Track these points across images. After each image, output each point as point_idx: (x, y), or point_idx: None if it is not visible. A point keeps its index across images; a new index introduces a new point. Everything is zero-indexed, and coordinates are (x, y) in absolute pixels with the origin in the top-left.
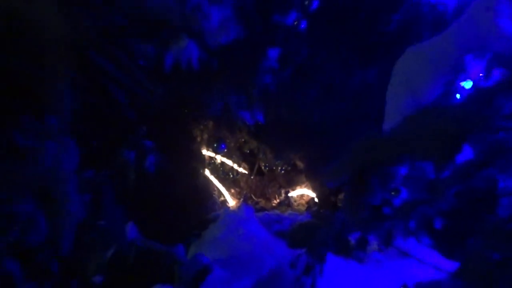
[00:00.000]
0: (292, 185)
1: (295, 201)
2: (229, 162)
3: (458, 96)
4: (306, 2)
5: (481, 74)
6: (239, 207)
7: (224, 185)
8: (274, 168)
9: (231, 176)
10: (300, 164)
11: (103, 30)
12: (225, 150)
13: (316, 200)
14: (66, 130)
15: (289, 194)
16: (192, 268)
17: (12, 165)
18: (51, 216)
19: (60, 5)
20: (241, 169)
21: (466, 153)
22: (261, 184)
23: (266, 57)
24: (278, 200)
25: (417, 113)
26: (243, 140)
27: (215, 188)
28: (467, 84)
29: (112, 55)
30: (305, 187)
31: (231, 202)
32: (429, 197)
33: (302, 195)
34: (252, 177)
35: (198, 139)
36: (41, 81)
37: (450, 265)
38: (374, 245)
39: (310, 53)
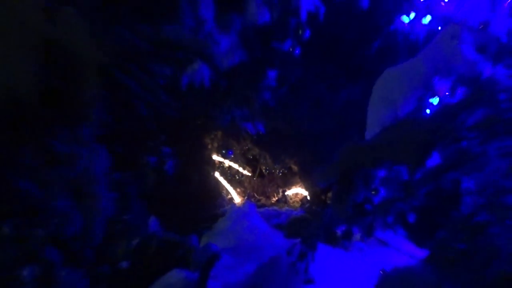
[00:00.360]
0: (288, 185)
1: (290, 199)
2: (235, 165)
3: (428, 111)
4: (300, 32)
5: (447, 93)
6: (243, 204)
7: (231, 185)
8: (273, 171)
9: (237, 177)
10: (294, 168)
11: (129, 54)
12: (232, 156)
13: (308, 198)
14: (97, 139)
15: (286, 193)
16: (203, 255)
17: (52, 169)
18: (85, 211)
19: (91, 32)
20: (245, 172)
21: (435, 159)
22: (262, 184)
23: (266, 77)
24: (276, 198)
25: (393, 124)
26: (247, 147)
27: (224, 188)
28: (435, 101)
29: (137, 75)
30: (299, 186)
31: (237, 199)
32: (404, 196)
33: (296, 194)
34: (254, 179)
35: (209, 146)
36: (76, 97)
37: (421, 253)
38: (357, 236)
39: (303, 74)
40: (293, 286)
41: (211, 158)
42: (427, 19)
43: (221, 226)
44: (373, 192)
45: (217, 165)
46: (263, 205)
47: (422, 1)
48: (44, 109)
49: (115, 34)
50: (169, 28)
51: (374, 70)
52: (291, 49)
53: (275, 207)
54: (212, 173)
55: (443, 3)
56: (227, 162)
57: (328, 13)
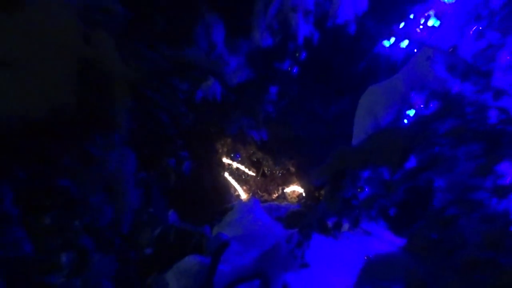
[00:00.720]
0: (287, 183)
1: (289, 195)
2: (242, 167)
3: (405, 121)
4: (297, 54)
5: (421, 106)
6: (249, 199)
7: (238, 183)
8: (273, 171)
9: (243, 177)
10: (292, 169)
11: (154, 72)
12: (239, 159)
13: (304, 194)
14: (126, 143)
15: (285, 190)
16: (215, 242)
17: (88, 169)
18: (115, 204)
19: (122, 53)
20: (250, 172)
21: (411, 161)
22: (264, 183)
23: (268, 92)
24: (276, 194)
25: (376, 132)
26: (252, 151)
27: (232, 186)
28: (411, 112)
29: (160, 90)
30: (296, 185)
31: (243, 196)
32: (385, 193)
33: (294, 191)
34: (258, 178)
35: (220, 150)
36: (109, 109)
37: (400, 241)
38: (345, 226)
39: (299, 90)
40: (291, 269)
41: (222, 160)
42: (404, 43)
43: (230, 218)
44: (359, 190)
45: (227, 167)
46: (265, 201)
47: (401, 28)
48: (82, 119)
49: (142, 55)
50: (187, 51)
51: (360, 86)
52: (289, 69)
53: (276, 202)
54: (222, 173)
55: (418, 30)
56: (235, 164)
57: (321, 38)
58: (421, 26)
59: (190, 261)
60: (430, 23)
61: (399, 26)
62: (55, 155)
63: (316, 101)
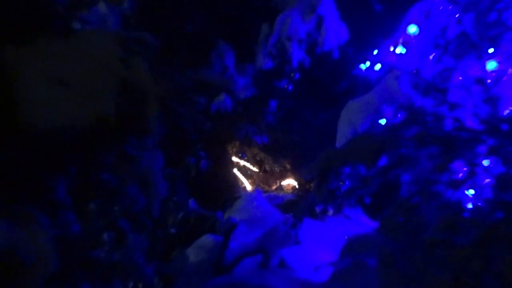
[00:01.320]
0: (283, 178)
1: (285, 187)
2: (247, 164)
3: (381, 123)
4: (292, 75)
5: (391, 116)
6: (253, 190)
7: (245, 177)
8: (273, 168)
9: (249, 172)
10: (288, 166)
11: (178, 89)
12: (246, 158)
13: (297, 186)
14: (156, 146)
15: (282, 183)
16: (226, 225)
17: (126, 166)
18: (147, 194)
19: (153, 74)
20: (254, 169)
21: (383, 160)
22: (265, 177)
23: (269, 105)
24: (275, 186)
25: (354, 137)
26: (255, 152)
27: (240, 179)
28: (383, 121)
29: (183, 103)
30: (291, 179)
31: (249, 187)
32: (362, 185)
33: (289, 184)
34: (260, 173)
35: (230, 151)
36: (143, 118)
37: (374, 224)
38: (330, 212)
39: (294, 103)
40: (286, 246)
41: (231, 159)
42: (377, 67)
43: (238, 205)
44: (341, 183)
45: (235, 164)
46: (266, 191)
47: (374, 54)
48: (122, 126)
49: (170, 75)
50: (205, 72)
51: (342, 101)
52: (286, 86)
53: (274, 193)
54: (231, 170)
55: (389, 56)
56: (242, 162)
57: (311, 62)
58: (391, 53)
59: (206, 239)
60: (398, 50)
61: (373, 53)
62: (100, 154)
63: (307, 112)
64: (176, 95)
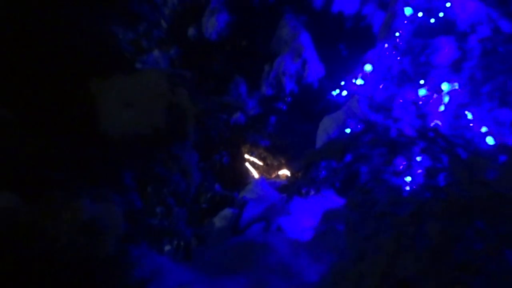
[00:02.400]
0: (280, 169)
1: (281, 176)
2: (255, 160)
3: (346, 132)
4: (286, 99)
5: (353, 126)
6: (259, 178)
7: (254, 169)
8: (273, 163)
9: (256, 166)
10: (283, 161)
11: (208, 108)
12: (254, 156)
13: (289, 175)
14: (192, 147)
15: (279, 173)
16: (240, 201)
17: (172, 161)
18: (186, 181)
19: (191, 99)
20: (260, 163)
21: (348, 157)
22: (267, 169)
23: (270, 120)
24: (274, 175)
25: (328, 141)
26: (261, 152)
27: (250, 171)
28: (348, 130)
29: (210, 118)
30: (285, 169)
31: (256, 176)
32: (334, 174)
33: (284, 173)
34: (264, 166)
35: (243, 151)
36: (184, 128)
37: (342, 201)
38: (312, 192)
39: (287, 118)
40: (282, 216)
41: (244, 156)
42: (344, 93)
43: (248, 188)
44: (319, 172)
45: (247, 160)
46: (268, 179)
47: (342, 84)
48: (170, 134)
49: (201, 99)
50: (226, 97)
51: (320, 116)
52: (281, 107)
53: (274, 179)
54: (244, 164)
55: (352, 85)
56: (251, 159)
57: (299, 89)
58: (353, 84)
59: (227, 211)
60: (358, 82)
61: (341, 84)
62: (155, 153)
63: (296, 124)
64: (206, 113)
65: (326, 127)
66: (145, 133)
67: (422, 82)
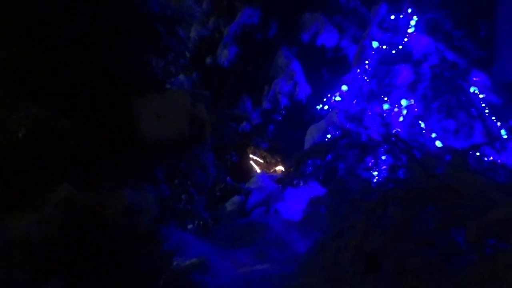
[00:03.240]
0: (277, 165)
1: (277, 171)
2: (258, 159)
3: (326, 139)
4: (281, 112)
5: (333, 133)
6: (260, 173)
7: (256, 166)
8: (271, 161)
9: (258, 163)
10: (279, 159)
11: (222, 118)
12: (257, 155)
13: (284, 170)
14: (209, 149)
15: (276, 168)
16: (246, 191)
17: (194, 159)
18: (205, 175)
19: (208, 112)
20: (261, 161)
21: (329, 157)
22: (267, 165)
23: (269, 128)
24: (272, 170)
25: (313, 144)
26: (262, 152)
27: (254, 167)
28: (328, 136)
29: (223, 127)
30: (281, 166)
31: (258, 171)
32: (318, 170)
33: (280, 169)
34: (264, 163)
35: (248, 152)
36: (202, 135)
37: (324, 190)
38: (301, 184)
39: (282, 127)
40: (277, 202)
41: (249, 156)
42: (326, 107)
43: (252, 180)
44: (307, 168)
45: (251, 159)
46: (267, 173)
47: (324, 100)
48: (192, 138)
49: (216, 112)
50: (235, 110)
51: (308, 125)
52: (278, 118)
53: (272, 174)
54: (249, 162)
55: (331, 101)
56: (254, 158)
57: (291, 105)
58: (333, 100)
59: (236, 198)
60: (337, 98)
61: (323, 100)
62: (180, 154)
63: (289, 131)
64: (219, 122)
65: (312, 133)
66: (173, 138)
67: (385, 98)
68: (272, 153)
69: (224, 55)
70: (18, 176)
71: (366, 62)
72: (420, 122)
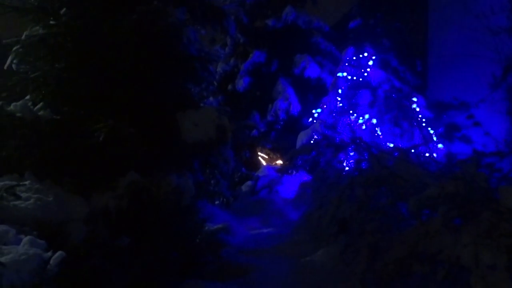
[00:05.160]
0: (277, 160)
1: (277, 164)
2: (263, 155)
3: (311, 142)
4: (280, 123)
5: (317, 137)
6: (266, 165)
7: (263, 160)
8: (273, 157)
9: (264, 158)
10: (279, 156)
11: (237, 126)
12: (263, 153)
13: (282, 163)
14: (230, 148)
15: (276, 162)
16: (256, 178)
17: (219, 155)
18: (226, 166)
19: (229, 121)
20: (266, 157)
21: (313, 153)
22: (270, 160)
23: (271, 134)
24: (274, 163)
25: (302, 145)
26: (266, 151)
27: (261, 161)
28: (313, 139)
29: (239, 132)
30: (280, 160)
31: (264, 164)
32: (305, 162)
33: (279, 162)
34: (268, 159)
35: (257, 150)
36: (225, 137)
37: (310, 177)
38: (294, 172)
39: (280, 134)
40: (278, 185)
41: (258, 153)
42: (310, 120)
43: (260, 171)
44: (298, 162)
45: (259, 155)
46: (270, 165)
47: (311, 114)
48: (218, 140)
49: (234, 122)
50: (248, 121)
51: (298, 132)
52: (278, 127)
53: (274, 166)
54: (258, 157)
55: (314, 115)
56: (261, 154)
57: (287, 119)
58: (316, 114)
59: (248, 183)
60: (317, 112)
61: (310, 114)
62: (210, 151)
63: (286, 136)
64: (237, 129)
65: (301, 137)
66: (205, 140)
67: (352, 112)
68: (274, 151)
69: (240, 83)
70: (100, 166)
71: (339, 88)
72: (376, 129)
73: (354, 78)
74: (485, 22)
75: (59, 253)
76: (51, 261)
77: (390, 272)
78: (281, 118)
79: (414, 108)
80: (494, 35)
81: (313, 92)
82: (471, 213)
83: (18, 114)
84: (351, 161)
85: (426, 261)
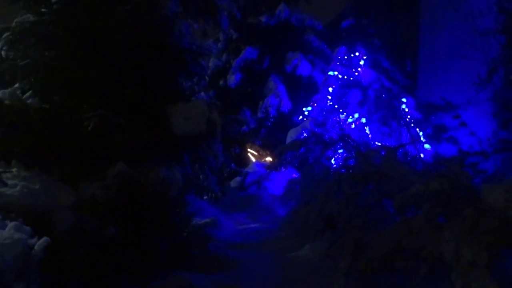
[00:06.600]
0: (266, 156)
1: (267, 160)
2: (253, 152)
3: (301, 137)
4: (271, 119)
5: (305, 134)
6: (255, 162)
7: (252, 157)
8: (262, 154)
9: (254, 155)
10: (268, 152)
11: (227, 121)
12: (253, 149)
13: (271, 159)
14: (220, 142)
15: (265, 158)
16: (245, 173)
17: (209, 150)
18: (216, 161)
19: (220, 117)
20: (256, 153)
21: (302, 150)
22: (260, 156)
23: (261, 131)
24: (263, 160)
25: (291, 141)
26: (256, 147)
27: (250, 158)
28: (302, 136)
29: (229, 127)
30: (269, 157)
31: (253, 160)
32: (294, 158)
33: (268, 159)
34: (258, 155)
35: (247, 147)
36: (215, 130)
37: (299, 174)
38: (283, 169)
39: (271, 130)
40: (266, 181)
41: (248, 149)
42: (300, 117)
43: (249, 166)
44: (287, 158)
45: (249, 152)
46: (259, 162)
47: (301, 112)
48: (207, 134)
49: (224, 117)
50: (238, 116)
51: (288, 129)
52: (268, 124)
53: (263, 162)
54: (247, 154)
55: (305, 113)
56: (251, 151)
57: (277, 115)
58: (306, 112)
59: (237, 178)
60: (307, 110)
61: (300, 112)
62: (200, 145)
63: (275, 133)
64: (227, 124)
65: (291, 134)
66: (195, 134)
67: (342, 111)
68: (263, 148)
69: (232, 79)
70: (88, 155)
71: (330, 88)
72: (365, 128)
73: (345, 77)
74: (473, 24)
75: (44, 239)
76: (36, 247)
77: (374, 268)
78: (271, 115)
79: (403, 109)
80: (482, 37)
81: (304, 90)
82: (454, 211)
83: (7, 102)
84: (339, 158)
85: (410, 258)
